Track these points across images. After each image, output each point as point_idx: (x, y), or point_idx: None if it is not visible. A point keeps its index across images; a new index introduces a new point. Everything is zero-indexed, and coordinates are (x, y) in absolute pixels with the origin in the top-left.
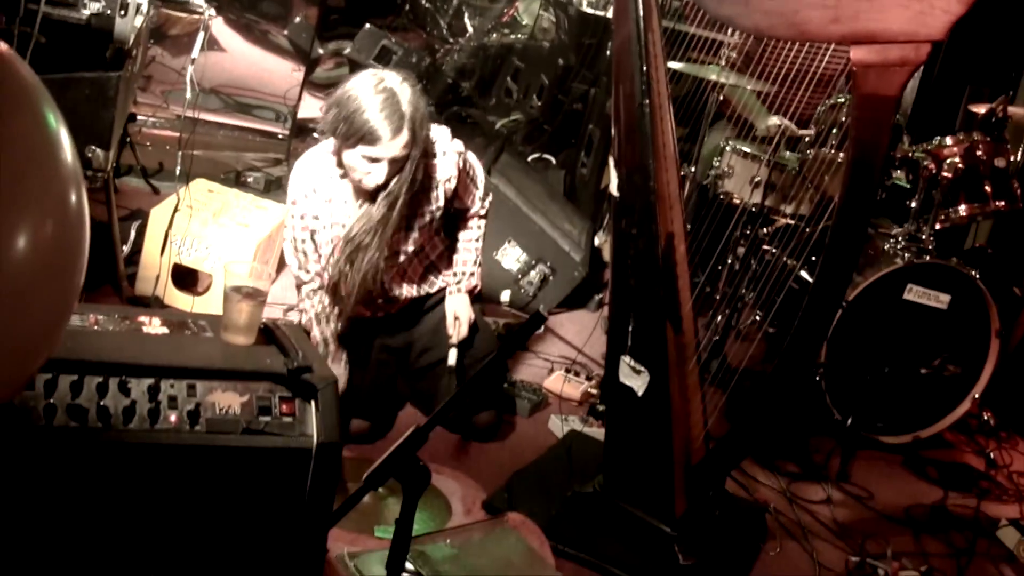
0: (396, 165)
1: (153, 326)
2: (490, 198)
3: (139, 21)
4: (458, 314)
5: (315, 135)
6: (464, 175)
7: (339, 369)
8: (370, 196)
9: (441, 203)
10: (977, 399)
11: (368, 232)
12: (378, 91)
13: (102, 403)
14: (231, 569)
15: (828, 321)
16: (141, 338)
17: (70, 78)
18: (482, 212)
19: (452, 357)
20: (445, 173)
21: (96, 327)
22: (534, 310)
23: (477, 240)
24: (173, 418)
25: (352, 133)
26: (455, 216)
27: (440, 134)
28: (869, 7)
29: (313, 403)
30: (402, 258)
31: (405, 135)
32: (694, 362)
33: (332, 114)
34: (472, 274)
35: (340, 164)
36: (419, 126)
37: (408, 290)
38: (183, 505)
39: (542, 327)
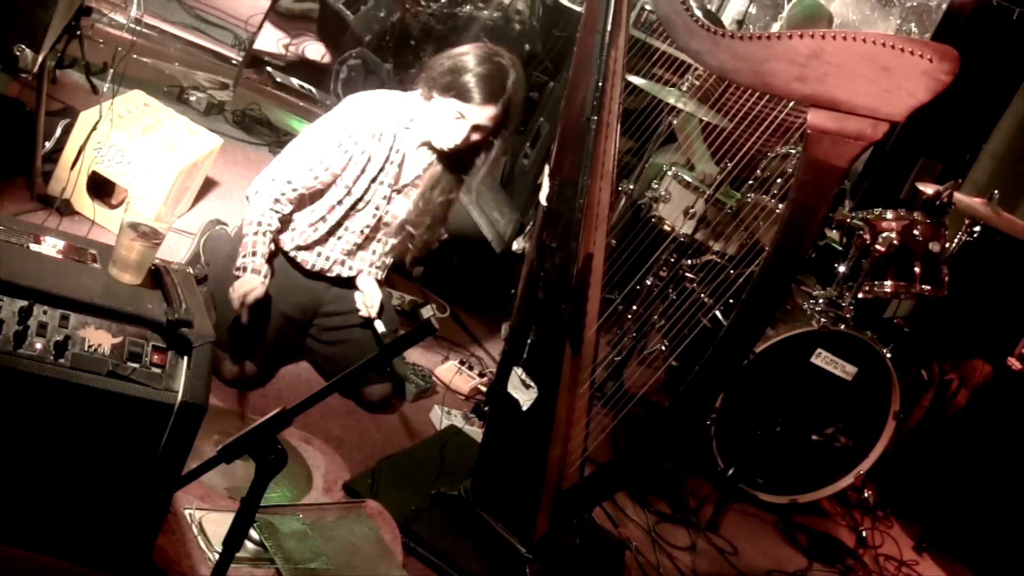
0: (478, 134)
1: (44, 246)
2: None
3: None
4: (372, 296)
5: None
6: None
7: (259, 280)
8: (440, 161)
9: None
10: (862, 475)
11: (428, 190)
12: (493, 61)
13: None
14: (68, 510)
15: (732, 370)
16: (26, 256)
17: None
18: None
19: (380, 326)
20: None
21: None
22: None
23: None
24: (39, 346)
25: (452, 85)
26: None
27: None
28: (837, 73)
29: (186, 359)
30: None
31: (497, 108)
32: (586, 387)
33: (441, 65)
34: (386, 268)
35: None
36: (513, 109)
37: (346, 266)
38: (32, 436)
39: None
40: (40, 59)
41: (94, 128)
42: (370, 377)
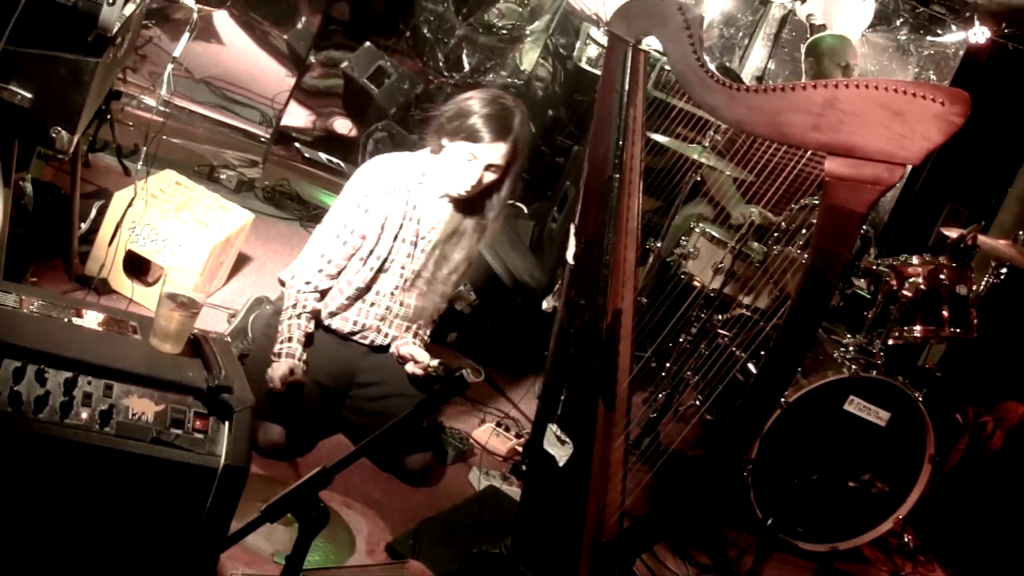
0: (492, 173)
1: (86, 319)
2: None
3: (129, 9)
4: (417, 356)
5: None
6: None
7: (297, 364)
8: (456, 206)
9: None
10: (901, 519)
11: (452, 237)
12: (495, 101)
13: (15, 388)
14: (117, 575)
15: (764, 418)
16: (69, 329)
17: (46, 56)
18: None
19: (434, 362)
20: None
21: (27, 310)
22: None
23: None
24: (85, 415)
25: (461, 129)
26: None
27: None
28: (852, 120)
29: (227, 424)
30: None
31: (507, 146)
32: (621, 440)
33: (446, 114)
34: (423, 339)
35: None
36: (521, 146)
37: (381, 332)
38: (80, 504)
39: (463, 390)
40: (75, 140)
41: (129, 207)
42: (410, 447)
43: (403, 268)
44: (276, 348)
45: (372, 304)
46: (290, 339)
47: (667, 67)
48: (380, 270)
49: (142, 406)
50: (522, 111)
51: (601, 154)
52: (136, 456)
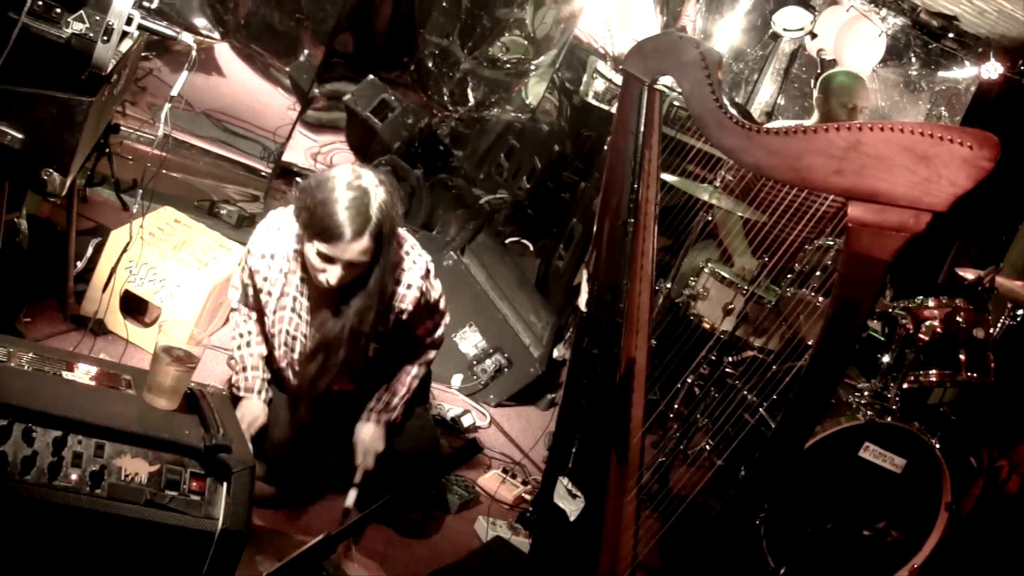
0: (352, 270)
1: (76, 373)
2: (440, 332)
3: (125, 46)
4: (368, 447)
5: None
6: (420, 312)
7: (255, 405)
8: (325, 295)
9: (386, 327)
10: (916, 568)
11: (323, 348)
12: (350, 187)
13: (0, 448)
14: None
15: (783, 471)
16: (59, 384)
17: (38, 95)
18: (429, 345)
19: (351, 498)
20: (400, 304)
21: (15, 364)
22: (483, 397)
23: (414, 377)
24: (74, 477)
25: (312, 225)
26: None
27: (413, 258)
28: (876, 164)
29: (225, 485)
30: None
31: (365, 241)
32: (633, 494)
33: (298, 200)
34: (395, 409)
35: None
36: (386, 234)
37: (345, 386)
38: (70, 569)
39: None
40: (68, 182)
41: (125, 249)
42: (406, 505)
43: (304, 331)
44: (232, 379)
45: (293, 364)
46: (244, 368)
47: (676, 103)
48: (277, 329)
49: (135, 466)
50: (384, 186)
51: (615, 197)
52: (129, 520)
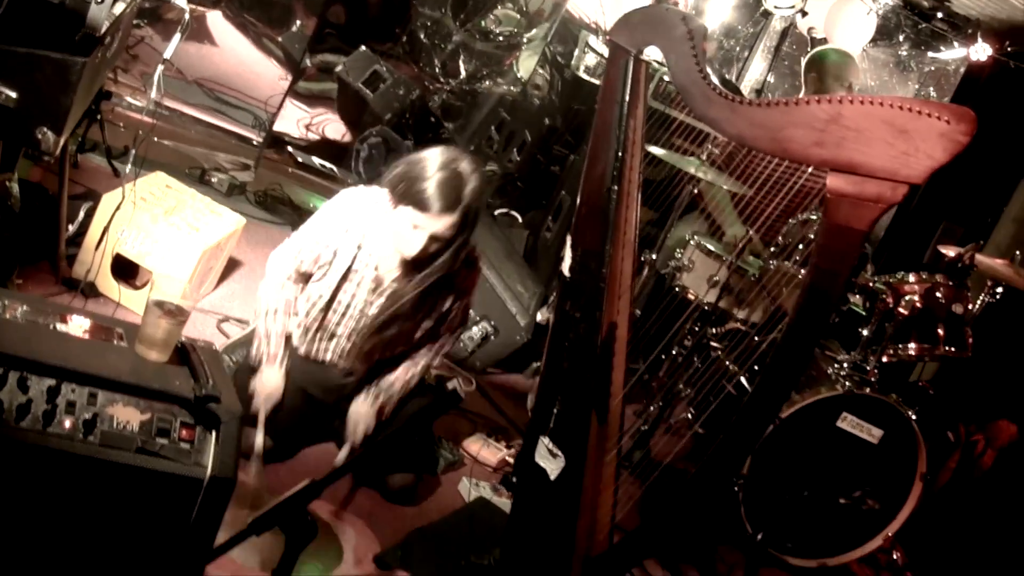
0: (436, 244)
1: (71, 325)
2: (452, 341)
3: (119, 8)
4: (359, 424)
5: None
6: (463, 303)
7: (275, 376)
8: (400, 267)
9: (446, 309)
10: (890, 537)
11: (390, 307)
12: (447, 167)
13: None
14: None
15: (757, 436)
16: (54, 336)
17: (33, 55)
18: (438, 348)
19: (342, 455)
20: (464, 284)
21: (10, 316)
22: (469, 364)
23: (414, 376)
24: (68, 424)
25: (407, 194)
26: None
27: (477, 254)
28: (855, 137)
29: (214, 434)
30: (393, 333)
31: (454, 217)
32: (613, 454)
33: (398, 171)
34: (392, 396)
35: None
36: (472, 218)
37: (345, 366)
38: (62, 513)
39: (456, 406)
40: (62, 142)
41: (117, 209)
42: (392, 466)
43: (360, 312)
44: (254, 351)
45: (331, 338)
46: (268, 337)
47: (667, 77)
48: (330, 307)
49: (127, 415)
50: (479, 177)
51: (600, 165)
52: (120, 466)
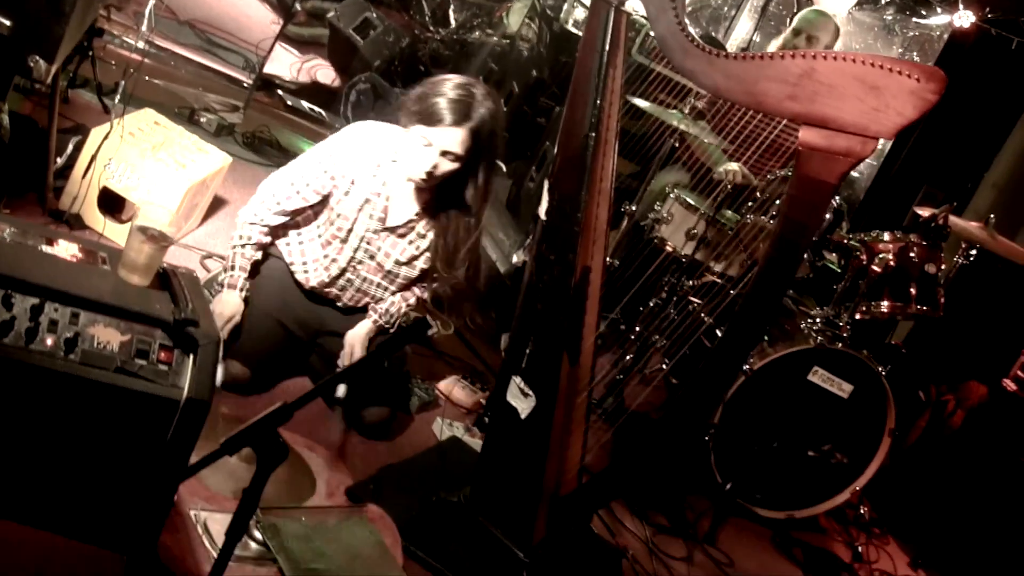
0: (448, 161)
1: (56, 248)
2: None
3: None
4: (355, 352)
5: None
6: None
7: (235, 299)
8: (418, 197)
9: (427, 261)
10: (858, 491)
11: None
12: (462, 87)
13: None
14: (74, 502)
15: (727, 381)
16: (39, 257)
17: None
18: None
19: (341, 390)
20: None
21: None
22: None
23: (411, 305)
24: (50, 342)
25: (419, 109)
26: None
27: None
28: (828, 92)
29: (192, 357)
30: (374, 275)
31: (465, 132)
32: (584, 396)
33: (415, 91)
34: (393, 319)
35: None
36: (485, 138)
37: (343, 299)
38: (42, 429)
39: (425, 335)
40: (53, 70)
41: (105, 138)
42: (367, 399)
43: (368, 244)
44: (220, 277)
45: (333, 269)
46: (233, 268)
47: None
48: (343, 239)
49: (108, 335)
50: (493, 101)
51: (579, 113)
52: (99, 384)
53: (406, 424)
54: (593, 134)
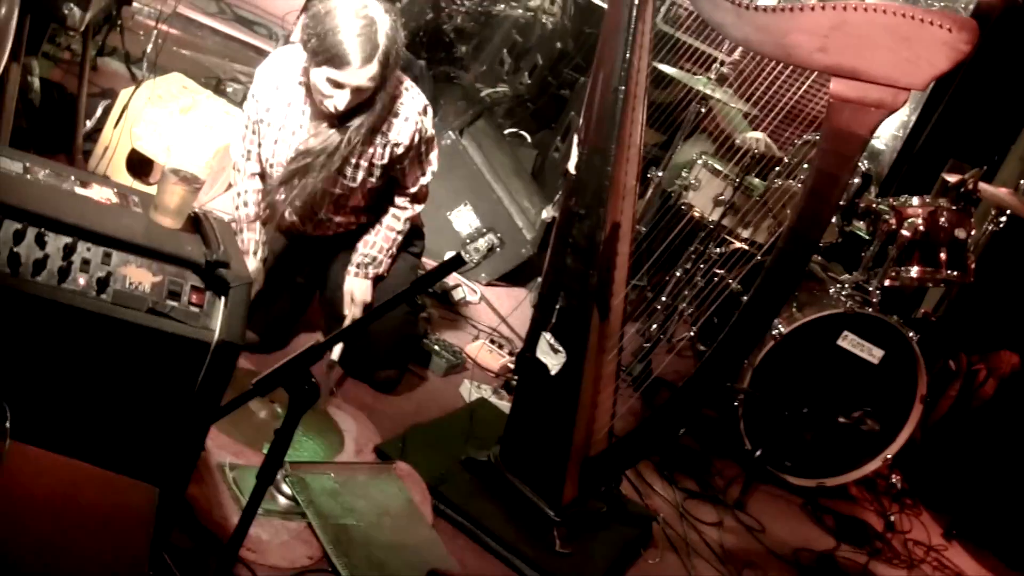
0: (359, 95)
1: (89, 189)
2: (426, 182)
3: None
4: (356, 296)
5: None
6: (415, 151)
7: (251, 265)
8: (327, 118)
9: (382, 161)
10: (889, 459)
11: (319, 154)
12: (358, 16)
13: (15, 249)
14: (109, 436)
15: (756, 337)
16: (72, 197)
17: None
18: (414, 197)
19: (336, 352)
20: (397, 136)
21: (31, 176)
22: (475, 275)
23: (398, 233)
24: (82, 281)
25: (321, 51)
26: (390, 184)
27: (412, 95)
28: (858, 43)
29: (223, 299)
30: (338, 191)
31: (374, 67)
32: (614, 353)
33: (307, 27)
34: (380, 263)
35: (306, 75)
36: (392, 61)
37: (340, 219)
38: (73, 368)
39: (459, 268)
40: (88, 17)
41: (132, 95)
42: (379, 362)
43: (313, 152)
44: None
45: (284, 199)
46: (241, 231)
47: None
48: (280, 161)
49: (140, 276)
50: (392, 17)
51: (608, 66)
52: (131, 325)
53: (434, 386)
54: (623, 87)
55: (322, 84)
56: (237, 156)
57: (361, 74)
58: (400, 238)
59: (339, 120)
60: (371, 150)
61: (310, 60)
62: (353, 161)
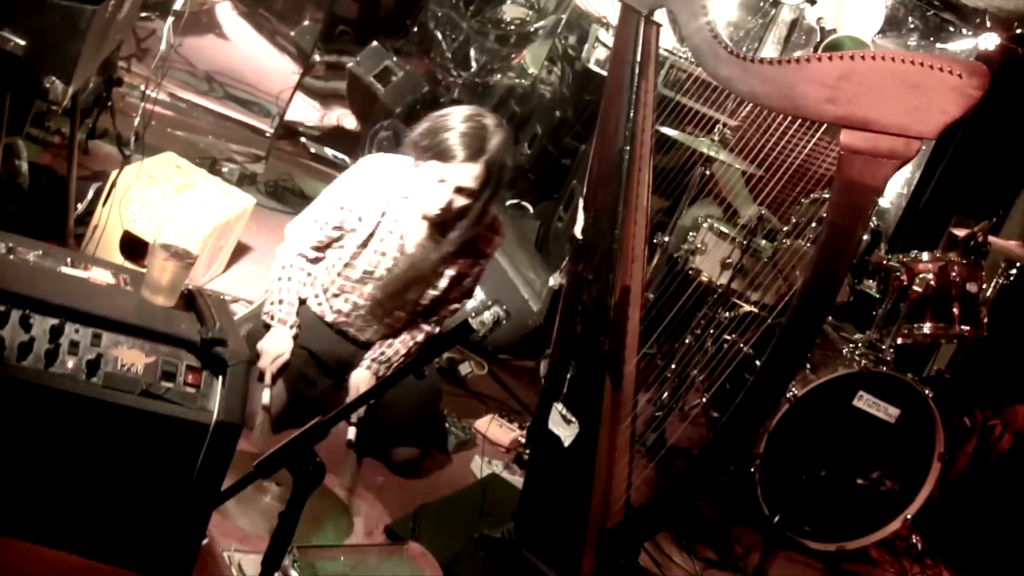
0: (463, 196)
1: (75, 268)
2: (455, 311)
3: None
4: (361, 389)
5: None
6: (470, 280)
7: (284, 335)
8: (427, 228)
9: (443, 286)
10: (909, 520)
11: (414, 266)
12: (472, 120)
13: None
14: (104, 526)
15: (773, 400)
16: (58, 277)
17: (42, 1)
18: (441, 317)
19: (351, 433)
20: (484, 253)
21: (14, 257)
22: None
23: (417, 344)
24: (71, 364)
25: (431, 146)
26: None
27: (500, 235)
28: (867, 93)
29: (221, 378)
30: (411, 295)
31: (479, 167)
32: (628, 422)
33: (422, 128)
34: (392, 366)
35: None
36: (497, 170)
37: (388, 322)
38: (64, 455)
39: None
40: (70, 92)
41: (119, 173)
42: (397, 439)
43: (372, 276)
44: (266, 309)
45: (348, 302)
46: (281, 301)
47: (677, 62)
48: (347, 267)
49: (132, 357)
50: (503, 132)
51: (612, 126)
52: (124, 408)
53: (444, 463)
54: (628, 148)
55: (427, 180)
56: (298, 237)
57: (465, 171)
58: (416, 350)
59: (438, 232)
60: (460, 261)
61: (419, 156)
62: (442, 276)
